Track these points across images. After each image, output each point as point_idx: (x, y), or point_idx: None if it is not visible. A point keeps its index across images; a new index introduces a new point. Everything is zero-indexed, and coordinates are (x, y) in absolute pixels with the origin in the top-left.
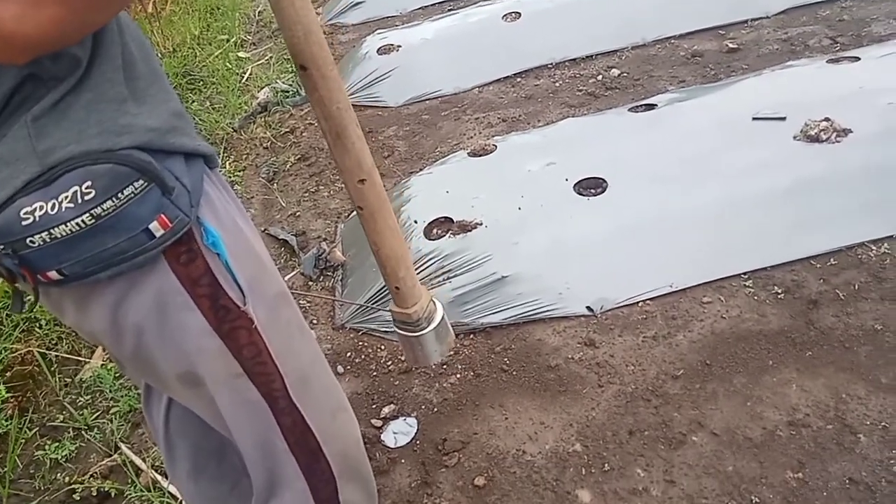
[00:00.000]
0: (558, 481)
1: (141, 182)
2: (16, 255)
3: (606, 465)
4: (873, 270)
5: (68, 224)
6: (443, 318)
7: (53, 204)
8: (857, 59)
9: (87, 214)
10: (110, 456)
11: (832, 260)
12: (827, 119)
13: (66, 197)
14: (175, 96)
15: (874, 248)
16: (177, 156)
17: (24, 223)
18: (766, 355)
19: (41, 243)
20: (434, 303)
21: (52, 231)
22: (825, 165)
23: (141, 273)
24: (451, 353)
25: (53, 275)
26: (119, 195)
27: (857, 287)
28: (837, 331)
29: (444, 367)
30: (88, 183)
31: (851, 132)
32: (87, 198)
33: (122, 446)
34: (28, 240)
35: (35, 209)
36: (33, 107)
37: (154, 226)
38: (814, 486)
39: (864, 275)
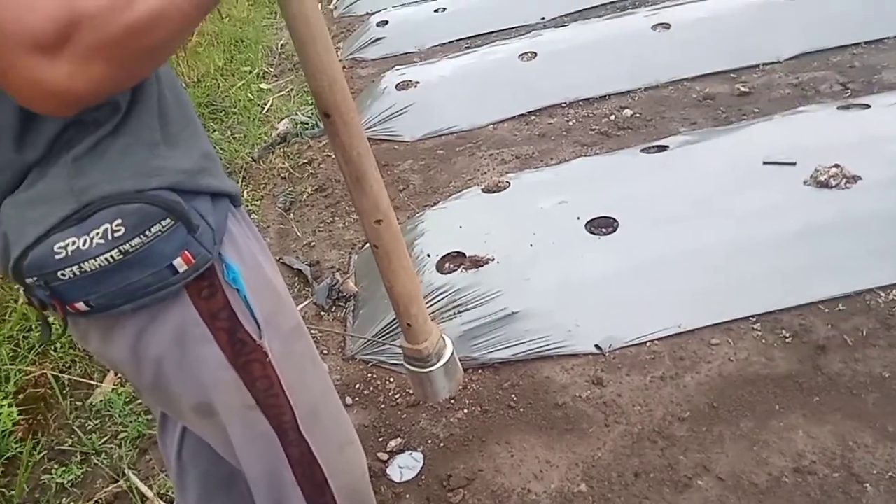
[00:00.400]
0: None
1: (168, 220)
2: (47, 286)
3: None
4: (882, 317)
5: (98, 259)
6: (452, 354)
7: (85, 240)
8: (868, 106)
9: (116, 250)
10: (116, 482)
11: (840, 305)
12: (837, 165)
13: (98, 233)
14: (205, 137)
15: (883, 294)
16: (204, 196)
17: (57, 257)
18: (773, 399)
19: (72, 276)
20: (444, 339)
21: (82, 265)
22: (835, 211)
23: (163, 306)
24: (460, 388)
25: (81, 306)
26: (147, 233)
27: (865, 333)
28: (845, 377)
29: (452, 401)
30: (119, 221)
31: (861, 179)
32: (116, 234)
33: (129, 472)
34: (60, 273)
35: (68, 244)
36: (74, 148)
37: (178, 262)
38: None
39: (873, 321)
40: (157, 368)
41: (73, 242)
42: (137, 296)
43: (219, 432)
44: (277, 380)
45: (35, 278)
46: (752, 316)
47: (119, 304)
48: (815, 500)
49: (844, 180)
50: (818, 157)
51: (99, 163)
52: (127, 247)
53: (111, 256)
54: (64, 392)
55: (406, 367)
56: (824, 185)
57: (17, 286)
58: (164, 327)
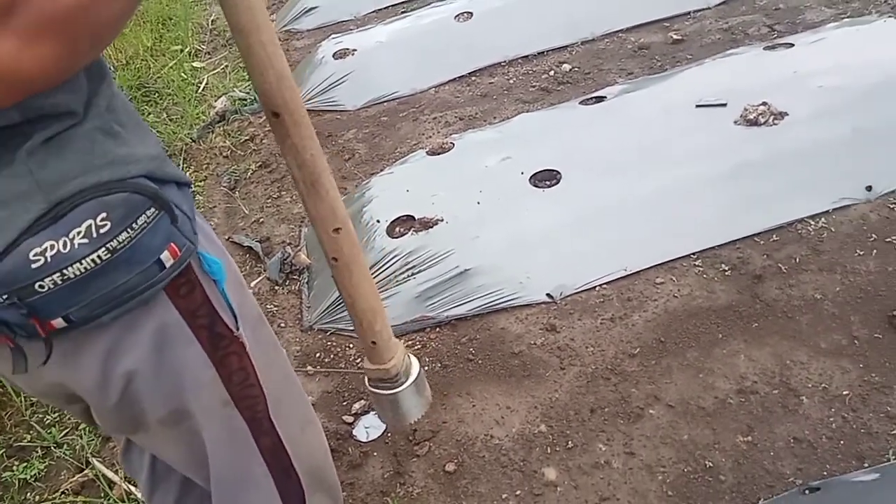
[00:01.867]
0: (525, 461)
1: (152, 210)
2: (22, 303)
3: (570, 442)
4: (812, 244)
5: (83, 262)
6: (420, 370)
7: (65, 242)
8: (792, 45)
9: (103, 249)
10: (82, 471)
11: (774, 236)
12: (764, 103)
13: (79, 232)
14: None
15: (812, 223)
16: (170, 184)
17: (34, 266)
18: (715, 329)
19: (51, 287)
20: (409, 356)
21: (64, 272)
22: (764, 147)
23: (139, 314)
24: (428, 408)
25: (58, 322)
26: (133, 225)
27: (797, 260)
28: (781, 302)
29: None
30: (103, 215)
31: (787, 115)
32: (102, 231)
33: (94, 461)
34: (37, 284)
35: (45, 249)
36: (24, 143)
37: (165, 255)
38: (762, 447)
39: (805, 248)
40: (125, 386)
41: (52, 246)
42: (122, 301)
43: (184, 439)
44: (253, 370)
45: (6, 296)
46: (693, 253)
47: (101, 314)
48: (758, 417)
49: (772, 117)
50: (747, 97)
51: (64, 154)
52: (114, 243)
53: (98, 257)
54: (16, 388)
55: (371, 391)
56: (753, 122)
57: None
58: (141, 336)
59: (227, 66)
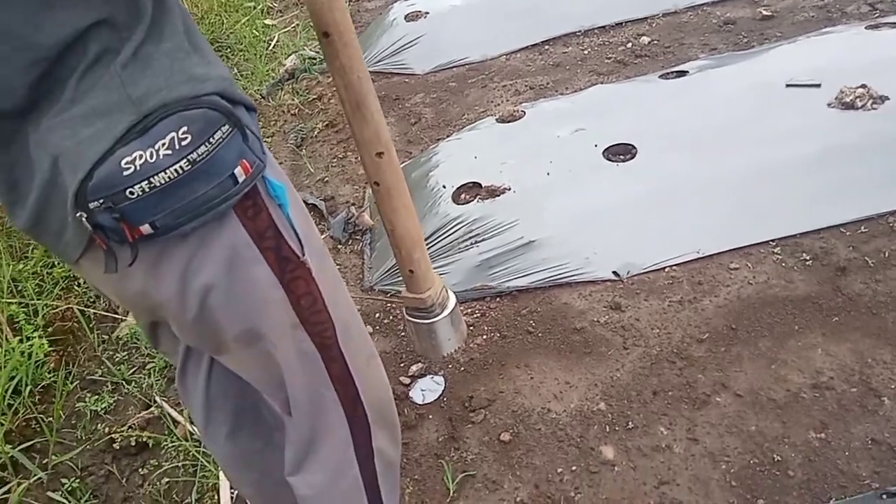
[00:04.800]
0: (582, 438)
1: (227, 127)
2: (115, 208)
3: (630, 423)
4: None
5: (167, 171)
6: (455, 305)
7: (152, 152)
8: None
9: (185, 160)
10: (148, 408)
11: (862, 228)
12: (863, 86)
13: (164, 144)
14: None
15: None
16: (240, 106)
17: (125, 173)
18: (792, 320)
19: (140, 193)
20: (447, 290)
21: (151, 180)
22: (859, 133)
23: (212, 231)
24: (463, 345)
25: (146, 228)
26: (211, 140)
27: (886, 255)
28: (865, 297)
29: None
30: (185, 128)
31: (889, 99)
32: (183, 143)
33: (159, 400)
34: (128, 191)
35: (135, 158)
36: (116, 57)
37: (238, 171)
38: (836, 445)
39: (895, 243)
40: (203, 299)
41: (140, 156)
42: (202, 211)
43: (261, 360)
44: (320, 296)
45: (101, 200)
46: (773, 240)
47: (183, 223)
48: (833, 414)
49: (871, 101)
50: (844, 79)
51: (147, 70)
52: (195, 156)
53: (180, 167)
54: (90, 326)
55: (408, 320)
56: (850, 106)
57: (77, 213)
58: (214, 252)
59: (297, 24)
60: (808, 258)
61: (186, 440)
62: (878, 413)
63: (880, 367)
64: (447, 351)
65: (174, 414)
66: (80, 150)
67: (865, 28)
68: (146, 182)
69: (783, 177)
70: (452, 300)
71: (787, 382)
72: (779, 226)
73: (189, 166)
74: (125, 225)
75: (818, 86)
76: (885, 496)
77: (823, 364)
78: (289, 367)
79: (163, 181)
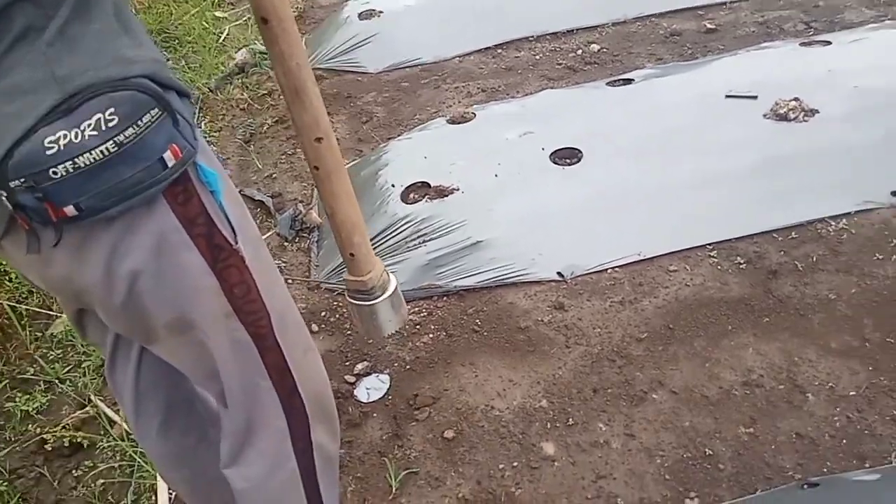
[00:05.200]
0: (524, 434)
1: (156, 111)
2: (38, 187)
3: (570, 419)
4: (831, 244)
5: (93, 152)
6: (396, 287)
7: (76, 132)
8: (829, 43)
9: (111, 142)
10: (83, 408)
11: (793, 233)
12: (796, 99)
13: (90, 125)
14: None
15: (833, 223)
16: (171, 91)
17: (48, 153)
18: (725, 321)
19: (64, 174)
20: (387, 273)
21: (76, 160)
22: (792, 144)
23: (140, 216)
24: (404, 326)
25: (70, 210)
26: (139, 122)
27: (815, 259)
28: (794, 299)
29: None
30: (112, 110)
31: (818, 112)
32: (110, 125)
33: (95, 399)
34: (52, 170)
35: (59, 138)
36: (42, 35)
37: (167, 155)
38: (763, 440)
39: (823, 248)
40: (131, 284)
41: (65, 135)
42: (129, 194)
43: (193, 349)
44: (254, 285)
45: (23, 179)
46: (710, 244)
47: (109, 206)
48: (762, 410)
49: (803, 114)
50: (779, 92)
51: (75, 50)
52: (121, 138)
53: (106, 149)
54: (22, 322)
55: (350, 302)
56: (783, 118)
57: None
58: (141, 237)
59: (249, 17)
60: (742, 262)
61: (123, 440)
62: (802, 409)
63: (806, 365)
64: (388, 332)
65: (110, 413)
66: (0, 127)
67: (800, 45)
68: (70, 162)
69: (721, 183)
70: (393, 283)
71: (720, 380)
72: (716, 230)
73: (116, 148)
74: (49, 205)
75: (755, 97)
76: (806, 486)
77: (754, 363)
78: (222, 356)
79: (88, 162)
